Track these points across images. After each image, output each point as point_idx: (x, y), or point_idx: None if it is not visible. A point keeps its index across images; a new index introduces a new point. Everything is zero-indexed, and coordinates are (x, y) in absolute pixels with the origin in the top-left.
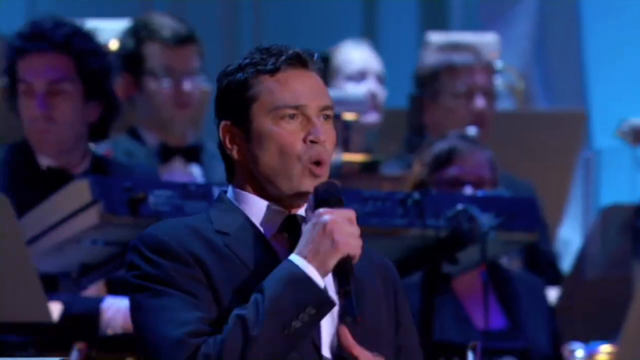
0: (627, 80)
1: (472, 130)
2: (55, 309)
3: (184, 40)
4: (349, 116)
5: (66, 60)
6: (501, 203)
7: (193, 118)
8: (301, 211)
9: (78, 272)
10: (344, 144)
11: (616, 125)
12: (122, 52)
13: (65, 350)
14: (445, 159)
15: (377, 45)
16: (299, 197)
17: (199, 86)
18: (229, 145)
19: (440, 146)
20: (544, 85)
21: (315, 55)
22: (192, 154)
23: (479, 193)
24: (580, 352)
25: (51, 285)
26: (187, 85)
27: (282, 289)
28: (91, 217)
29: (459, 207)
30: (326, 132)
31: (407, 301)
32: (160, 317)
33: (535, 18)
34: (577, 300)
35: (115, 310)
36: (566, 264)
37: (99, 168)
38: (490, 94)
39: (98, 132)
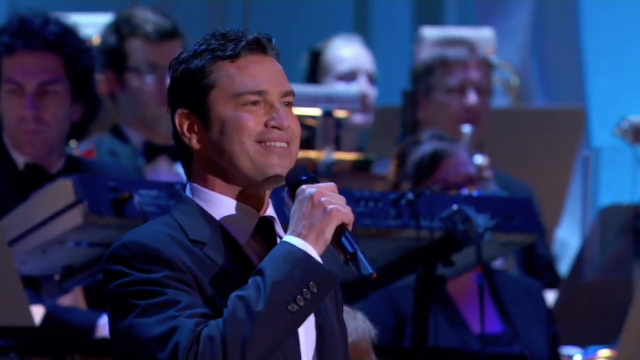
0: (627, 77)
1: (466, 128)
2: (38, 312)
3: (167, 35)
4: (340, 114)
5: (57, 60)
6: (497, 203)
7: None
8: (269, 211)
9: (61, 275)
10: (336, 143)
11: (616, 122)
12: (104, 48)
13: (48, 355)
14: (428, 168)
15: (370, 41)
16: (269, 181)
17: None
18: (186, 134)
19: (418, 154)
20: (542, 81)
21: (273, 40)
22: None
23: (475, 193)
24: (578, 357)
25: (34, 288)
26: None
27: (282, 267)
28: (75, 217)
29: (454, 207)
30: (290, 118)
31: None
32: (161, 313)
33: (532, 12)
34: (575, 303)
35: None
36: (564, 266)
37: (72, 168)
38: (484, 90)
39: (78, 131)
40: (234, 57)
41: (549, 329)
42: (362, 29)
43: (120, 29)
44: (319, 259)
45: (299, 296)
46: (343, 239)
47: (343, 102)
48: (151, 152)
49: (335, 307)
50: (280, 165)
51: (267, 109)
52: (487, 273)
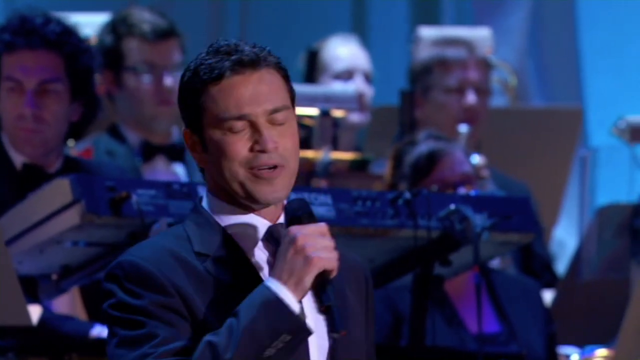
0: (625, 76)
1: (463, 128)
2: (35, 312)
3: (163, 34)
4: (337, 113)
5: (57, 59)
6: (495, 203)
7: (176, 115)
8: (282, 219)
9: (58, 274)
10: (333, 142)
11: (613, 122)
12: (101, 48)
13: (46, 355)
14: (425, 168)
15: (367, 41)
16: (262, 204)
17: None
18: (193, 153)
19: (414, 155)
20: (539, 81)
21: (267, 49)
22: (175, 152)
23: (472, 193)
24: (575, 357)
25: (31, 287)
26: (168, 81)
27: (256, 314)
28: (72, 217)
29: (452, 207)
30: (278, 138)
31: (374, 305)
32: (137, 348)
33: (529, 11)
34: (573, 303)
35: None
36: (561, 265)
37: (70, 168)
38: (483, 90)
39: (76, 131)
40: (217, 79)
41: (547, 328)
42: (359, 28)
43: (117, 29)
44: (295, 307)
45: (269, 347)
46: (320, 290)
47: (340, 102)
48: (148, 151)
49: (365, 305)
50: (272, 192)
51: (252, 132)
52: (484, 272)
